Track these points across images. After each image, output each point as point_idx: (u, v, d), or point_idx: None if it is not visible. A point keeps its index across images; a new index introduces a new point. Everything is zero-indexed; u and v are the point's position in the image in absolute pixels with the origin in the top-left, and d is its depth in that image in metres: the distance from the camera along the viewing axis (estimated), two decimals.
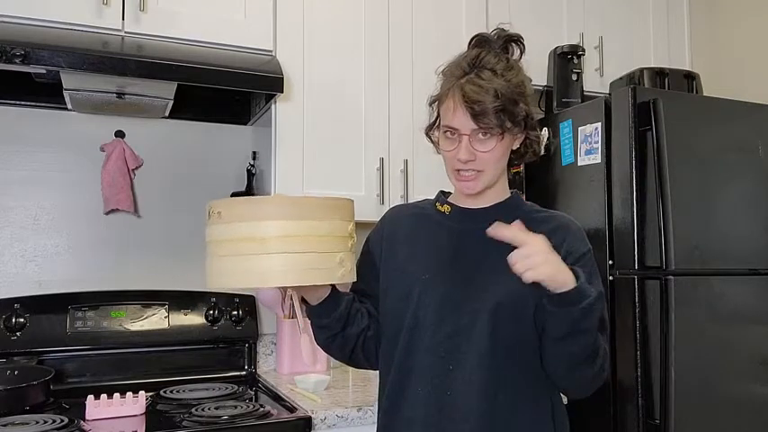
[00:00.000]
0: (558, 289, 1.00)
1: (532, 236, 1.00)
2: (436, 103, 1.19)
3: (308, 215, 1.02)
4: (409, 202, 1.35)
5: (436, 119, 1.19)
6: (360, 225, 1.31)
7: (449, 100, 1.13)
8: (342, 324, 1.16)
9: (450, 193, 1.27)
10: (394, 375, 1.19)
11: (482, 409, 1.09)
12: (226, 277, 1.01)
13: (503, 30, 1.17)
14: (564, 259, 1.10)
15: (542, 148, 1.24)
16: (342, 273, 1.04)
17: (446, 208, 1.23)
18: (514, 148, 1.19)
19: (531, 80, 1.18)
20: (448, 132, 1.14)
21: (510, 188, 1.25)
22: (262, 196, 0.99)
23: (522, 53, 1.18)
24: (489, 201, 1.20)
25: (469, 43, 1.19)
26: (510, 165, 1.22)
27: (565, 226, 1.17)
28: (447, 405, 1.11)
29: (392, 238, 1.23)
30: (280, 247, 0.99)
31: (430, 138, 1.25)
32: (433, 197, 1.29)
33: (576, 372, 1.11)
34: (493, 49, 1.15)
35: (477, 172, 1.13)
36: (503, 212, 1.18)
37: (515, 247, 1.09)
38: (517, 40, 1.17)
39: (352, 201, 1.11)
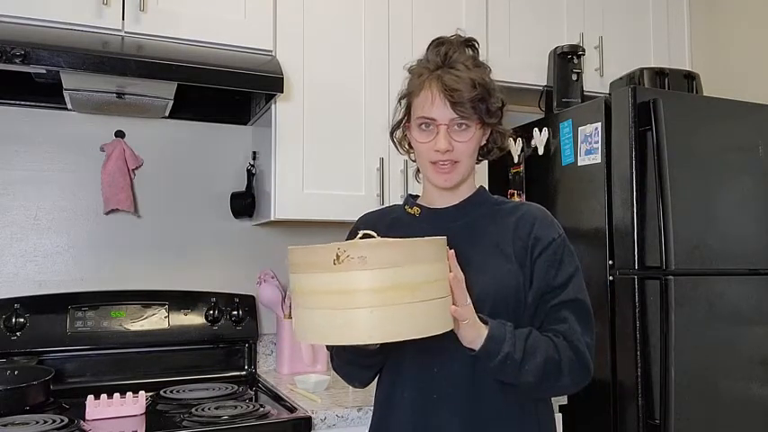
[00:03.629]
0: (467, 342, 1.02)
1: (463, 278, 1.01)
2: (406, 98, 1.19)
3: (444, 256, 0.97)
4: (377, 208, 1.36)
5: (404, 116, 1.20)
6: None
7: (425, 91, 1.13)
8: (384, 356, 1.17)
9: (418, 196, 1.27)
10: (384, 382, 1.21)
11: (468, 411, 1.09)
12: (393, 327, 0.89)
13: (459, 35, 1.19)
14: (532, 246, 1.12)
15: (506, 143, 1.24)
16: (452, 320, 0.99)
17: (416, 210, 1.23)
18: (482, 143, 1.20)
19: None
20: (423, 125, 1.14)
21: (509, 188, 1.25)
22: (410, 239, 0.95)
23: (478, 56, 1.20)
24: (458, 197, 1.20)
25: (429, 46, 1.20)
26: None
27: (532, 214, 1.17)
28: (434, 408, 1.11)
29: None
30: (429, 294, 0.92)
31: (392, 138, 1.26)
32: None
33: (543, 391, 1.12)
34: (453, 45, 1.17)
35: (453, 163, 1.14)
36: (471, 208, 1.19)
37: (490, 244, 1.12)
38: (473, 44, 1.19)
39: None
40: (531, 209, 1.19)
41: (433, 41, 1.20)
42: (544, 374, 1.05)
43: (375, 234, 1.01)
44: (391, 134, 1.26)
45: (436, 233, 1.16)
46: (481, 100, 1.11)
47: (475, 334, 1.01)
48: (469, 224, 1.18)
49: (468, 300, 1.01)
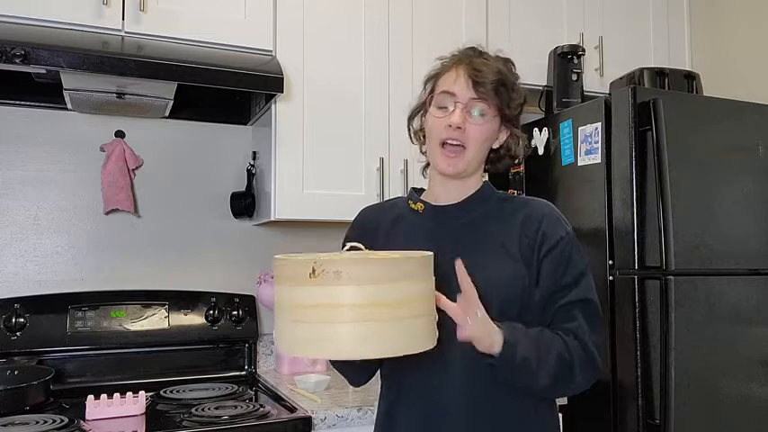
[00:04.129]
0: (484, 350, 1.01)
1: (471, 289, 0.99)
2: (432, 80, 1.20)
3: (429, 274, 0.95)
4: (381, 201, 1.35)
5: (428, 96, 1.20)
6: None
7: (452, 71, 1.16)
8: (377, 363, 1.18)
9: (422, 190, 1.27)
10: (387, 381, 1.21)
11: (473, 420, 1.09)
12: (367, 345, 0.87)
13: (499, 56, 1.22)
14: (540, 244, 1.12)
15: (521, 151, 1.24)
16: (436, 336, 0.98)
17: (419, 206, 1.22)
18: (495, 146, 1.20)
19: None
20: (442, 102, 1.15)
21: (509, 188, 1.25)
22: (390, 256, 0.94)
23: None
24: (463, 194, 1.20)
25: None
26: (486, 168, 1.23)
27: (539, 210, 1.16)
28: (439, 415, 1.10)
29: (372, 240, 1.20)
30: (412, 312, 0.90)
31: (410, 125, 1.26)
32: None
33: (556, 392, 1.12)
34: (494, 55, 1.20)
35: (461, 148, 1.14)
36: (475, 205, 1.19)
37: (495, 244, 1.11)
38: (510, 62, 1.21)
39: None
40: (538, 205, 1.18)
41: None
42: (557, 375, 1.05)
43: (362, 247, 1.01)
44: (410, 119, 1.26)
45: (439, 231, 1.16)
46: (504, 86, 1.13)
47: (491, 343, 1.00)
48: (474, 222, 1.17)
49: (480, 313, 0.99)
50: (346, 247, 1.02)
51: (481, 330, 0.99)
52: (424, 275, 0.95)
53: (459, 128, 1.12)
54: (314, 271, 0.88)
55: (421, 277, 0.94)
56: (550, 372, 1.04)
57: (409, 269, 0.92)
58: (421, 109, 1.23)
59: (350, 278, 0.87)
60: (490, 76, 1.12)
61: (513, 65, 1.22)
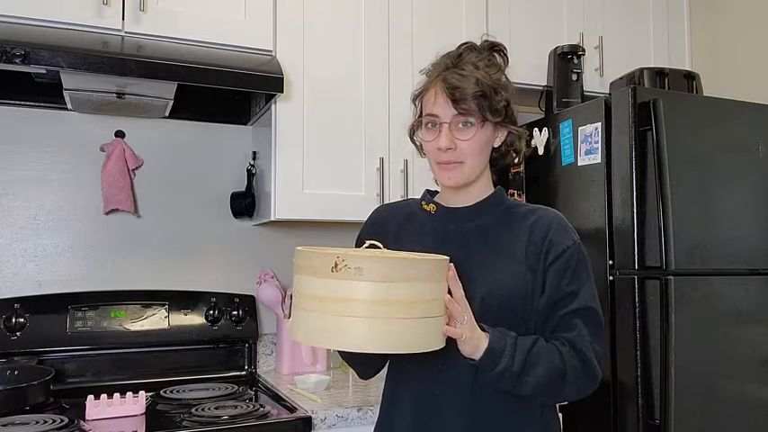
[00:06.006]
0: (467, 354, 1.02)
1: (461, 296, 1.01)
2: (418, 99, 1.20)
3: (444, 277, 0.98)
4: (394, 201, 1.35)
5: (419, 116, 1.20)
6: (360, 225, 1.32)
7: (431, 90, 1.15)
8: (383, 358, 1.20)
9: (436, 192, 1.27)
10: (389, 379, 1.22)
11: (472, 410, 1.09)
12: (377, 341, 0.91)
13: (487, 40, 1.20)
14: (546, 252, 1.12)
15: (524, 145, 1.23)
16: (445, 337, 0.99)
17: (431, 207, 1.23)
18: (496, 145, 1.19)
19: (512, 83, 1.19)
20: (429, 124, 1.15)
21: (509, 188, 1.25)
22: (409, 256, 0.97)
23: (505, 62, 1.20)
24: (474, 198, 1.20)
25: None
26: (493, 165, 1.22)
27: (547, 219, 1.16)
28: (437, 406, 1.11)
29: (383, 237, 1.21)
30: (425, 312, 0.93)
31: (414, 141, 1.26)
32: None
33: (543, 400, 1.12)
34: (476, 50, 1.17)
35: (457, 163, 1.13)
36: (486, 210, 1.19)
37: (502, 247, 1.12)
38: (500, 49, 1.20)
39: None
40: (547, 214, 1.18)
41: (460, 45, 1.20)
42: (545, 385, 1.05)
43: (380, 245, 1.03)
44: (411, 137, 1.26)
45: (448, 232, 1.17)
46: (483, 96, 1.10)
47: (473, 348, 1.01)
48: (483, 226, 1.17)
49: (467, 318, 1.00)
50: (365, 245, 1.04)
51: (468, 332, 1.00)
52: (440, 278, 0.97)
53: (450, 148, 1.12)
54: (336, 265, 0.91)
55: (437, 279, 0.96)
56: (537, 382, 1.04)
57: (428, 271, 0.94)
58: (417, 126, 1.23)
59: (370, 274, 0.90)
60: (469, 90, 1.09)
61: (501, 51, 1.19)
